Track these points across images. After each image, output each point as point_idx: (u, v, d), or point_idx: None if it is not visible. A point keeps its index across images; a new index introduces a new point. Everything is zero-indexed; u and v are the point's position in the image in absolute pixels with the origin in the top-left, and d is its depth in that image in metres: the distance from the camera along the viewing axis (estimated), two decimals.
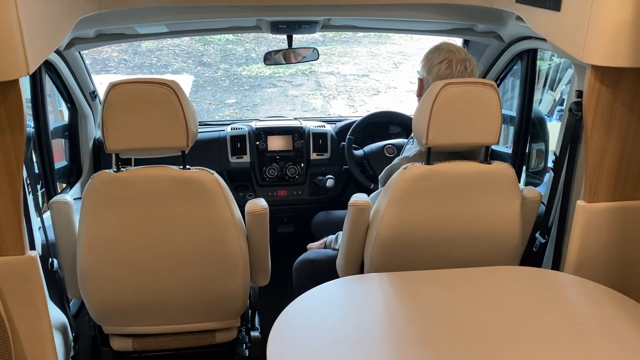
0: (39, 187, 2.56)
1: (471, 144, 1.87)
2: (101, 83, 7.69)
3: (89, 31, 2.24)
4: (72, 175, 2.73)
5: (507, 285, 1.73)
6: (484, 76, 2.76)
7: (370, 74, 9.58)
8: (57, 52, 2.28)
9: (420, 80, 2.17)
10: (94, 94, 2.70)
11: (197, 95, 8.53)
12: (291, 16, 2.23)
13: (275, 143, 2.90)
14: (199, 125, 3.16)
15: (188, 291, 1.90)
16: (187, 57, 9.88)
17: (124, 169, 1.78)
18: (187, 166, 1.81)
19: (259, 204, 1.92)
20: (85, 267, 1.83)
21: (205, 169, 1.81)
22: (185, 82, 8.87)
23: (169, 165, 1.79)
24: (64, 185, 2.75)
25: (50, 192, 2.47)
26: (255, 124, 2.96)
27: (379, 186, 2.13)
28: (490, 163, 1.89)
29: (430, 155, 1.87)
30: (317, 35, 9.52)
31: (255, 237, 1.94)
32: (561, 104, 4.49)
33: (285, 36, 2.51)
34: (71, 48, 2.30)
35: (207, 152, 2.85)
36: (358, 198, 1.96)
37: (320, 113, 8.10)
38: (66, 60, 2.37)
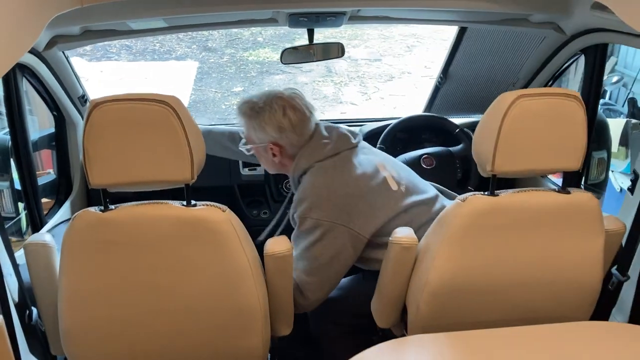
0: (22, 206, 2.21)
1: (548, 170, 1.51)
2: (102, 71, 7.30)
3: (72, 28, 1.87)
4: (60, 192, 2.38)
5: (599, 350, 1.36)
6: (536, 74, 2.37)
7: (383, 58, 9.16)
8: (36, 53, 1.90)
9: (274, 145, 1.83)
10: (83, 99, 2.33)
11: (202, 83, 8.15)
12: (314, 7, 1.84)
13: None
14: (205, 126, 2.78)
15: (196, 352, 1.54)
16: (191, 42, 9.47)
17: (112, 207, 1.42)
18: (193, 202, 1.44)
19: (282, 244, 1.56)
20: (68, 327, 1.48)
21: (216, 204, 1.45)
22: (189, 69, 8.50)
23: (170, 202, 1.43)
24: (52, 202, 2.40)
25: (33, 214, 2.11)
26: None
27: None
28: (569, 192, 1.52)
29: (495, 184, 1.51)
30: None
31: (276, 282, 1.59)
32: (602, 97, 4.12)
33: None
34: (53, 48, 1.93)
35: (215, 163, 2.47)
36: (403, 234, 1.60)
37: (332, 101, 7.71)
38: (47, 62, 1.99)
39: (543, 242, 1.53)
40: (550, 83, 2.41)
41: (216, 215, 1.42)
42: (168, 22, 1.95)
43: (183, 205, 1.43)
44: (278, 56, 7.91)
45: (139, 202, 1.43)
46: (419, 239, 1.69)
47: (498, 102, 1.45)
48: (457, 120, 2.75)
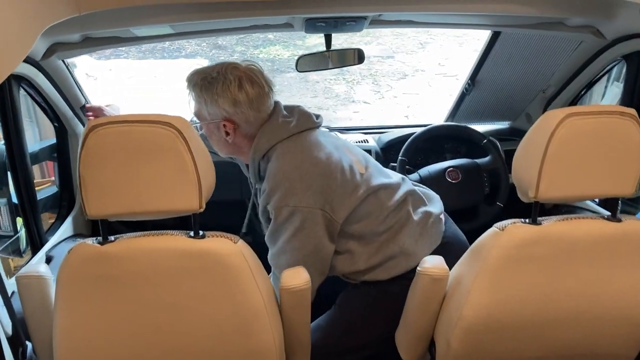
0: (20, 223, 2.08)
1: (598, 195, 1.36)
2: (111, 69, 7.16)
3: (72, 35, 1.73)
4: (62, 206, 2.24)
5: None
6: (570, 81, 2.21)
7: (396, 55, 8.97)
8: (33, 62, 1.76)
9: (228, 121, 1.64)
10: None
11: None
12: (334, 12, 1.69)
13: None
14: None
15: None
16: (201, 40, 9.32)
17: (112, 239, 1.28)
18: (201, 232, 1.30)
19: (300, 276, 1.42)
20: None
21: (226, 235, 1.30)
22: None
23: (175, 232, 1.29)
24: (55, 216, 2.26)
25: (32, 232, 1.98)
26: None
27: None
28: (620, 220, 1.37)
29: (537, 210, 1.35)
30: None
31: (293, 317, 1.45)
32: None
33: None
34: (52, 56, 1.79)
35: (225, 176, 2.31)
36: (432, 264, 1.45)
37: (344, 100, 7.55)
38: (46, 71, 1.85)
39: (591, 274, 1.37)
40: (584, 91, 2.25)
41: (227, 247, 1.28)
42: (175, 29, 1.81)
43: (190, 236, 1.29)
44: (289, 53, 7.76)
45: (141, 233, 1.29)
46: (389, 226, 1.64)
47: (543, 121, 1.29)
48: (481, 127, 2.59)
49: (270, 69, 8.46)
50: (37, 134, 2.42)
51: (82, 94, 2.14)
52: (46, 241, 2.02)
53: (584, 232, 1.35)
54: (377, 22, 1.92)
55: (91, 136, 1.17)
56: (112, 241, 1.27)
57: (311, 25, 1.83)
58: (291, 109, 1.73)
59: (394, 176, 1.82)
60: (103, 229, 1.26)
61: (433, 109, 6.90)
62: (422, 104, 7.20)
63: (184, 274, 1.27)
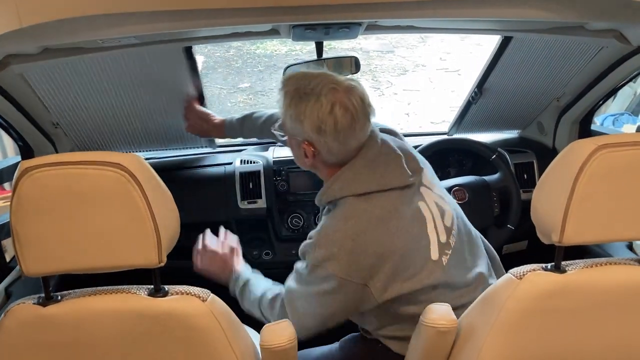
0: None
1: (634, 238, 1.15)
2: None
3: (27, 47, 1.52)
4: None
5: None
6: (588, 89, 2.00)
7: (396, 50, 8.76)
8: None
9: (308, 145, 1.45)
10: (54, 123, 1.99)
11: (207, 78, 7.82)
12: (325, 19, 1.48)
13: (300, 182, 2.15)
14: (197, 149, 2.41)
15: None
16: None
17: (58, 296, 1.08)
18: (163, 286, 1.10)
19: (283, 332, 1.21)
20: None
21: (194, 291, 1.10)
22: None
23: (133, 288, 1.09)
24: None
25: None
26: (273, 154, 2.22)
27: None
28: None
29: (562, 256, 1.15)
30: None
31: None
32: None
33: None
34: (6, 69, 1.58)
35: (210, 194, 2.13)
36: (438, 314, 1.25)
37: None
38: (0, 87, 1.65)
39: (625, 330, 1.18)
40: (602, 101, 2.04)
41: (193, 307, 1.07)
42: (140, 39, 1.60)
43: (151, 293, 1.08)
44: (287, 49, 7.52)
45: (92, 290, 1.09)
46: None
47: (569, 154, 1.09)
48: (488, 137, 2.39)
49: (267, 64, 8.26)
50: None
51: (47, 109, 1.93)
52: (10, 271, 1.83)
53: (617, 280, 1.15)
54: (373, 28, 1.71)
55: (23, 181, 0.96)
56: (57, 300, 1.07)
57: (299, 33, 1.63)
58: (388, 150, 1.48)
59: (474, 269, 1.53)
60: (45, 287, 1.06)
61: (434, 107, 6.70)
62: (423, 100, 7.00)
63: (142, 339, 1.07)
